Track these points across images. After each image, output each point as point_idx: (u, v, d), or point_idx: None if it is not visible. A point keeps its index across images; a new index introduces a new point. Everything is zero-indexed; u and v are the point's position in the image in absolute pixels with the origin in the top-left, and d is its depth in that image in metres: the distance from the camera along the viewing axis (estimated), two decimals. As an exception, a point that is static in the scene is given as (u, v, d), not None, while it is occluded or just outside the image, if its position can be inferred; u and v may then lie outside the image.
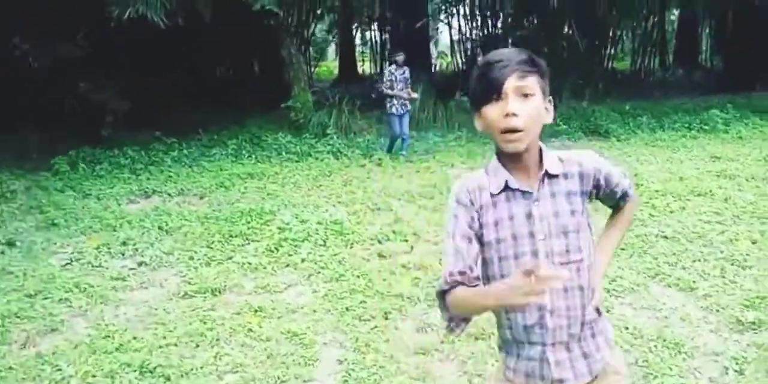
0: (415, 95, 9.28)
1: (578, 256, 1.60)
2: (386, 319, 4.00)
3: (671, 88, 15.95)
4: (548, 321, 1.61)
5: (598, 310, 1.69)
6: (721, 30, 19.57)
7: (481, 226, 1.63)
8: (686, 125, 10.64)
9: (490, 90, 1.54)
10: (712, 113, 10.83)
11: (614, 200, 1.78)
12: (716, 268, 4.52)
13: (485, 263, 1.65)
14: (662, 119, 11.13)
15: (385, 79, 9.17)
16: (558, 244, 1.59)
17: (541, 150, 1.63)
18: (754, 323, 3.66)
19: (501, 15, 12.45)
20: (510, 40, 13.51)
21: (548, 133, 10.83)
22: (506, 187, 1.62)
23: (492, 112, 1.55)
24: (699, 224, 5.45)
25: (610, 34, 14.96)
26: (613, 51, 15.67)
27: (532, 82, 1.54)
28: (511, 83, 1.52)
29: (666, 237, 5.20)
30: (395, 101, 9.01)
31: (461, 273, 1.59)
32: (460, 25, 15.12)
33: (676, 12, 21.62)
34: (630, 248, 4.95)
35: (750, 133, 10.08)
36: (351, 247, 5.38)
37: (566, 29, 12.78)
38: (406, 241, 5.53)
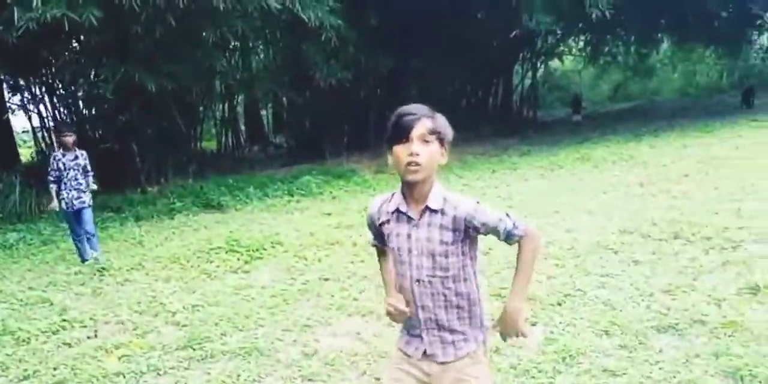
0: (92, 186, 7.53)
1: (443, 274, 2.12)
2: (118, 397, 3.89)
3: (255, 163, 17.60)
4: (420, 314, 2.18)
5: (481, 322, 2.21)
6: (283, 112, 22.50)
7: (383, 233, 2.24)
8: (288, 192, 12.05)
9: (400, 134, 2.03)
10: (305, 180, 12.49)
11: (501, 238, 2.13)
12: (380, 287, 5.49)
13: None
14: (265, 189, 12.36)
15: (50, 169, 7.28)
16: (426, 261, 2.12)
17: (432, 188, 2.11)
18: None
19: (99, 101, 12.28)
20: (101, 127, 13.39)
21: (164, 211, 11.10)
22: (398, 210, 2.14)
23: (400, 150, 2.03)
24: (347, 265, 6.43)
25: (199, 116, 15.96)
26: (200, 132, 16.65)
27: (431, 133, 2.03)
28: (416, 131, 2.01)
29: (327, 279, 6.03)
30: (64, 194, 7.22)
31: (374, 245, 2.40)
32: (40, 111, 14.27)
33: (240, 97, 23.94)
34: (306, 293, 5.65)
35: (338, 192, 11.91)
36: (27, 344, 4.90)
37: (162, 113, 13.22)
38: (85, 326, 5.27)
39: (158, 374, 4.20)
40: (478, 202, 2.13)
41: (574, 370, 3.68)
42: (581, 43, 25.49)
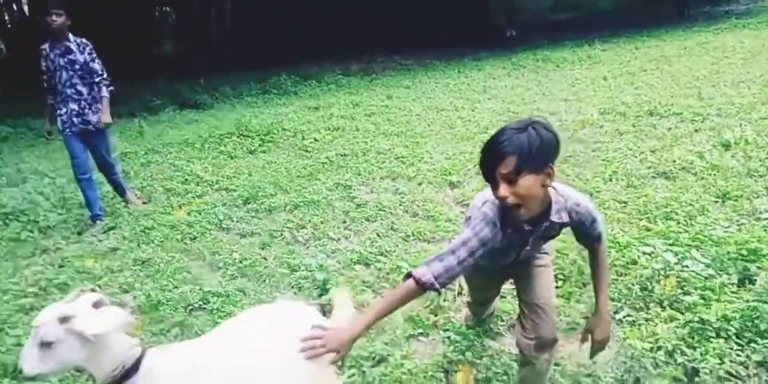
0: (104, 94, 4.97)
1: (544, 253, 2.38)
2: None
3: (209, 70, 17.57)
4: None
5: None
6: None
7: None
8: (262, 90, 12.41)
9: (485, 177, 1.87)
10: (280, 79, 12.80)
11: (590, 239, 2.16)
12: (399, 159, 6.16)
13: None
14: (238, 88, 12.67)
15: (39, 70, 4.92)
16: (533, 251, 2.26)
17: (548, 203, 1.97)
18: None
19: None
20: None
21: (141, 109, 11.28)
22: (512, 228, 1.99)
23: (495, 191, 1.87)
24: (359, 143, 7.03)
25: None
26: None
27: (517, 173, 1.79)
28: (499, 174, 1.82)
29: (345, 155, 6.63)
30: (63, 108, 4.93)
31: (439, 285, 1.90)
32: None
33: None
34: (331, 165, 6.27)
35: (314, 91, 12.20)
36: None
37: None
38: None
39: (233, 221, 4.82)
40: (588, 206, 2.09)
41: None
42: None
